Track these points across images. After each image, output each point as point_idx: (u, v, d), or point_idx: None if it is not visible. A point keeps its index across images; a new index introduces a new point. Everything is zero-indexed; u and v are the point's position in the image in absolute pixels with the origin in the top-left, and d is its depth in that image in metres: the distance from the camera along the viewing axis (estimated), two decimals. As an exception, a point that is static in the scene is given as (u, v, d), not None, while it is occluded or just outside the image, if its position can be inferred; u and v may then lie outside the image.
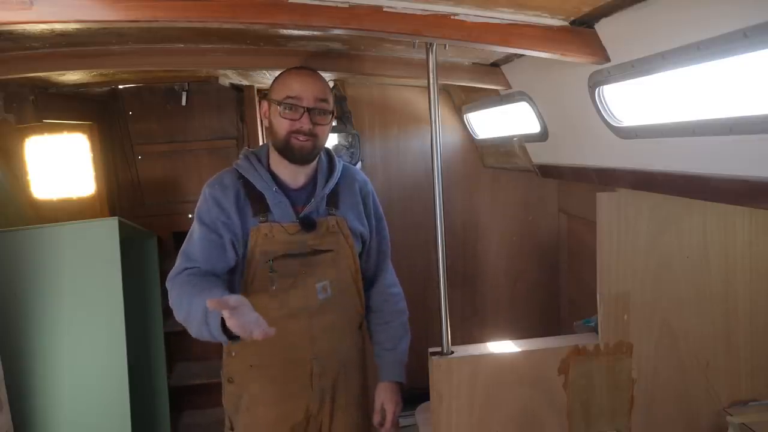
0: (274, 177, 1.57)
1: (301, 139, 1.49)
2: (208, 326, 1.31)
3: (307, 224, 1.54)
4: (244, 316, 1.20)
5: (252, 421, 1.60)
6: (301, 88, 1.49)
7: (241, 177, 1.56)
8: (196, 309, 1.33)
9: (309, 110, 1.48)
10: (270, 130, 1.56)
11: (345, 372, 1.65)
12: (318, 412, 1.62)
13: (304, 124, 1.48)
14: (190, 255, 1.51)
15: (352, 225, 1.61)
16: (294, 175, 1.57)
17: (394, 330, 1.72)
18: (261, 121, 2.68)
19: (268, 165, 1.59)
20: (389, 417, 1.67)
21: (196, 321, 1.34)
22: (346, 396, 1.66)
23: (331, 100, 1.55)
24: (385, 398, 1.67)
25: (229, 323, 1.20)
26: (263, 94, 2.67)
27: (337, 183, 1.62)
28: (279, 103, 1.49)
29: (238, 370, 1.62)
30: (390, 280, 1.77)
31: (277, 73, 1.59)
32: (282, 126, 1.50)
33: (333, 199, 1.60)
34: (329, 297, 1.57)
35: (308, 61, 1.84)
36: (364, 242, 1.67)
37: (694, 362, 1.57)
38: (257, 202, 1.54)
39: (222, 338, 1.31)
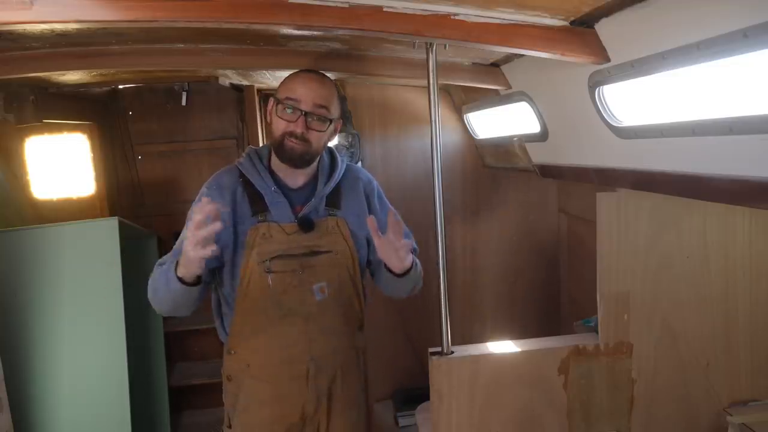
0: (275, 176, 1.57)
1: (293, 141, 1.48)
2: (167, 278, 1.40)
3: (305, 225, 1.54)
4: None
5: (248, 420, 1.60)
6: (301, 91, 1.48)
7: (242, 175, 1.56)
8: (163, 275, 1.44)
9: (306, 114, 1.48)
10: (270, 128, 1.56)
11: (342, 373, 1.64)
12: (315, 413, 1.62)
13: (298, 127, 1.47)
14: (176, 253, 1.52)
15: (353, 226, 1.60)
16: (294, 175, 1.57)
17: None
18: (263, 119, 2.69)
19: (270, 164, 1.59)
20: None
21: (162, 282, 1.43)
22: (344, 397, 1.65)
23: (334, 109, 1.53)
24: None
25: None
26: (264, 94, 2.67)
27: (339, 183, 1.61)
28: (279, 102, 1.50)
29: (235, 369, 1.62)
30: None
31: (278, 73, 1.59)
32: (278, 125, 1.50)
33: (334, 200, 1.60)
34: (327, 298, 1.57)
35: (309, 61, 1.84)
36: (369, 242, 1.67)
37: (694, 362, 1.57)
38: (256, 202, 1.54)
39: (176, 283, 1.39)
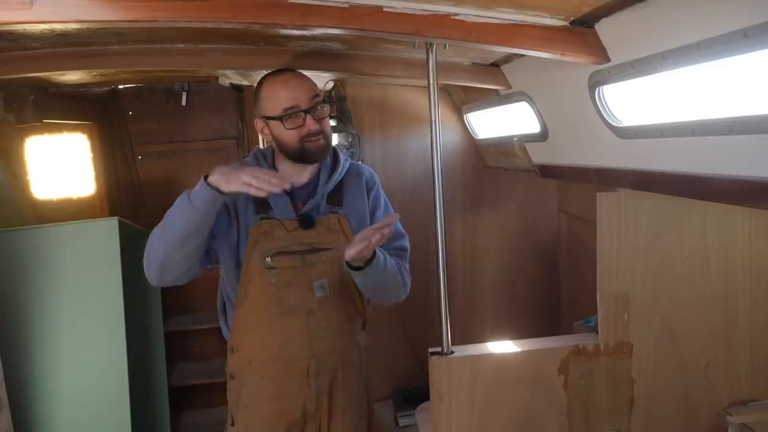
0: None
1: (314, 139, 1.50)
2: (189, 198, 1.40)
3: (306, 222, 1.55)
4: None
5: (249, 418, 1.61)
6: (292, 96, 1.49)
7: None
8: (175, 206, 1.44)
9: (309, 111, 1.49)
10: (277, 143, 1.56)
11: (343, 371, 1.64)
12: (316, 410, 1.62)
13: (311, 125, 1.49)
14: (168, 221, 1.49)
15: (355, 223, 1.61)
16: (298, 172, 1.58)
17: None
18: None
19: (273, 162, 1.60)
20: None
21: (174, 209, 1.44)
22: (345, 396, 1.65)
23: (319, 91, 1.57)
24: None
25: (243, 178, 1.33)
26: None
27: (342, 180, 1.63)
28: (280, 119, 1.50)
29: (238, 366, 1.62)
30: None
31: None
32: (291, 137, 1.50)
33: (336, 197, 1.61)
34: (327, 295, 1.57)
35: (309, 61, 1.84)
36: None
37: (694, 362, 1.57)
38: (259, 199, 1.54)
39: (207, 193, 1.38)
